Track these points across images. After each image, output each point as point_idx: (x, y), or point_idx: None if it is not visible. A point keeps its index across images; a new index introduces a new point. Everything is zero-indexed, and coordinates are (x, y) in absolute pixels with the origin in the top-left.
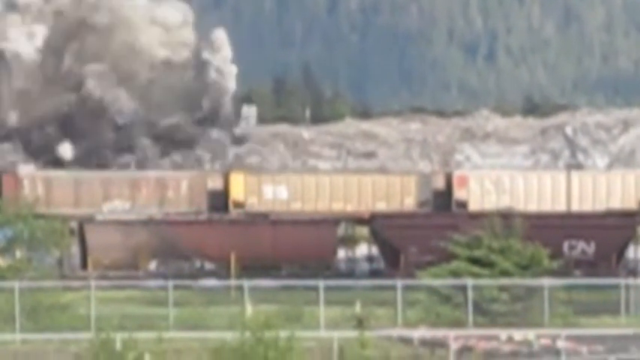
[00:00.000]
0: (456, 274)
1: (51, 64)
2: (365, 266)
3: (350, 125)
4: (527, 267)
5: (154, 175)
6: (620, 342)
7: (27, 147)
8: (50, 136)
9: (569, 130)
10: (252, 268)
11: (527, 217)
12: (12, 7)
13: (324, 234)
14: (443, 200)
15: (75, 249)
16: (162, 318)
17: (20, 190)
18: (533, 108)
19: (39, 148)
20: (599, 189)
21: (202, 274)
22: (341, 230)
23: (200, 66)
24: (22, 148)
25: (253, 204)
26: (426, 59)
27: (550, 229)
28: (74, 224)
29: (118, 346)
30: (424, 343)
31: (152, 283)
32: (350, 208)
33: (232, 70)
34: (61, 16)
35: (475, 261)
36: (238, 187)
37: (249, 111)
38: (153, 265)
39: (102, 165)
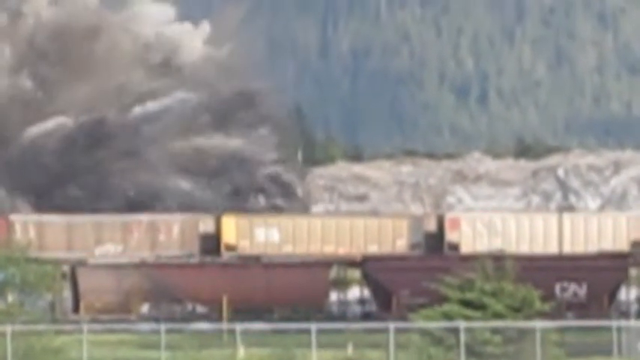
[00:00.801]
0: (448, 316)
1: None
2: (357, 309)
3: (342, 168)
4: (519, 309)
5: (145, 219)
6: None
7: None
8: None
9: (560, 172)
10: (244, 311)
11: (519, 259)
12: None
13: (316, 277)
14: (435, 242)
15: (67, 293)
16: None
17: (12, 234)
18: (524, 150)
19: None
20: (590, 231)
21: (194, 317)
22: (333, 273)
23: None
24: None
25: (245, 247)
26: (418, 102)
27: (542, 271)
28: (66, 268)
29: None
30: None
31: (144, 326)
32: (342, 250)
33: None
34: (35, 40)
35: (467, 303)
36: (230, 230)
37: None
38: (145, 309)
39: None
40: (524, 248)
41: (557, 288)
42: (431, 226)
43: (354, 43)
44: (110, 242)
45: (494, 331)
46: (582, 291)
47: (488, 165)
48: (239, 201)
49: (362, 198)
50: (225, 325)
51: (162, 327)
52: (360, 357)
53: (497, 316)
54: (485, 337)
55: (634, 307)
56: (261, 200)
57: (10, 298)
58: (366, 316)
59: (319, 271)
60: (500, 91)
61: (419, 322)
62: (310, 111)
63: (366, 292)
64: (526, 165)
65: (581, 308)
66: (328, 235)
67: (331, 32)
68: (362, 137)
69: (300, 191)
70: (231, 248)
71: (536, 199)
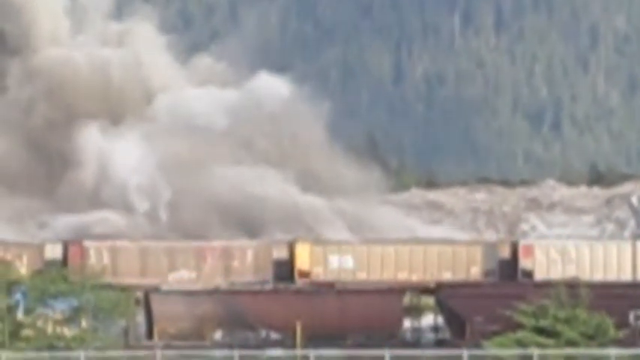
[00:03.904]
0: (521, 343)
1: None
2: (431, 336)
3: (416, 195)
4: (593, 337)
5: (219, 245)
6: None
7: None
8: None
9: (634, 200)
10: (317, 337)
11: (593, 286)
12: None
13: (389, 303)
14: (509, 270)
15: (140, 318)
16: None
17: (86, 260)
18: (598, 177)
19: None
20: None
21: (268, 343)
22: (406, 300)
23: None
24: None
25: (319, 273)
26: (491, 128)
27: (616, 299)
28: (140, 294)
29: None
30: None
31: (218, 353)
32: (415, 277)
33: None
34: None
35: (541, 331)
36: (304, 257)
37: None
38: (218, 335)
39: None
40: (598, 276)
41: (631, 316)
42: (505, 253)
43: (427, 70)
44: (184, 268)
45: (568, 358)
46: None
47: (562, 192)
48: None
49: (436, 225)
50: (298, 352)
51: (236, 353)
52: None
53: (571, 343)
54: None
55: None
56: None
57: (84, 323)
58: (440, 343)
59: (393, 297)
60: (573, 119)
61: (492, 349)
62: (384, 137)
63: (440, 319)
64: (600, 192)
65: None
66: (402, 262)
67: (405, 58)
68: (436, 164)
69: None
70: (304, 275)
71: (610, 227)
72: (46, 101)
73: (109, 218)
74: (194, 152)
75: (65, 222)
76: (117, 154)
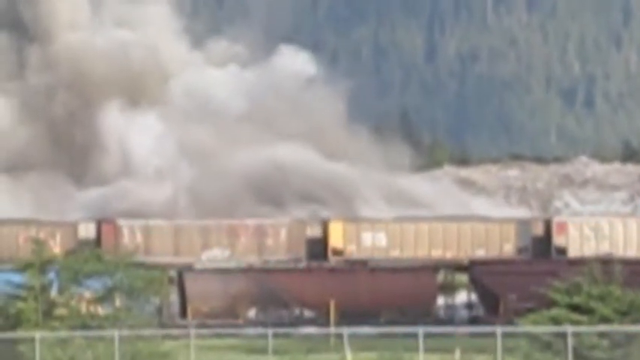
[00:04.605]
0: (555, 320)
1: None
2: (464, 313)
3: (448, 172)
4: (626, 313)
5: (252, 223)
6: None
7: None
8: None
9: None
10: (351, 315)
11: (627, 263)
12: None
13: (423, 281)
14: (542, 247)
15: (174, 297)
16: None
17: (120, 239)
18: (631, 154)
19: None
20: None
21: (302, 321)
22: (440, 277)
23: None
24: None
25: (352, 251)
26: (524, 106)
27: None
28: (173, 273)
29: None
30: None
31: (251, 331)
32: (449, 255)
33: None
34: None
35: (575, 307)
36: (337, 235)
37: None
38: (252, 313)
39: None
40: (632, 252)
41: None
42: (538, 230)
43: (460, 48)
44: (217, 247)
45: (602, 335)
46: None
47: (595, 169)
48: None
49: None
50: (332, 330)
51: (270, 331)
52: None
53: (605, 320)
54: (593, 342)
55: None
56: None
57: (118, 302)
58: (474, 321)
59: (426, 275)
60: (606, 95)
61: (526, 327)
62: (417, 115)
63: (474, 297)
64: (633, 169)
65: None
66: (435, 239)
67: (438, 36)
68: (468, 141)
69: None
70: (338, 253)
71: None
72: (65, 86)
73: (136, 191)
74: (213, 134)
75: (91, 195)
76: (136, 136)
